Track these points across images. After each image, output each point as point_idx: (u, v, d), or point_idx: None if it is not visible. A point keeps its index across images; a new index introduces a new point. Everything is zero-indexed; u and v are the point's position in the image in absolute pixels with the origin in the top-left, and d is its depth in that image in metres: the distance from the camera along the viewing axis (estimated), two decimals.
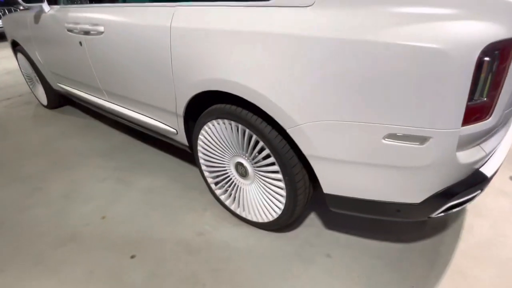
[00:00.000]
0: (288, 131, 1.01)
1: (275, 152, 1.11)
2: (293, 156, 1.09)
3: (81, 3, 2.13)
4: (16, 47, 2.82)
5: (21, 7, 7.30)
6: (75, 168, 1.98)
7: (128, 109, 1.81)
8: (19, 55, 2.83)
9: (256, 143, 1.18)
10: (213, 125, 1.30)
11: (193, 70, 1.20)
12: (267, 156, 1.17)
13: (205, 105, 1.38)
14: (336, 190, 1.04)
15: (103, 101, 2.02)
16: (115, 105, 1.91)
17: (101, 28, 1.58)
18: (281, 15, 0.93)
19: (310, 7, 0.88)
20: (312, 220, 1.45)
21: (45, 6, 2.05)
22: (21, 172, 1.97)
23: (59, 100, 2.93)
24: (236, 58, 1.02)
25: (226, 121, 1.23)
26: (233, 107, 1.17)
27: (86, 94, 2.18)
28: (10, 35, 2.77)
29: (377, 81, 0.79)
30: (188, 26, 1.17)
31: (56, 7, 2.04)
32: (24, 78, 3.10)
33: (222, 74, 1.08)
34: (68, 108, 3.02)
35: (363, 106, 0.84)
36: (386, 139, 0.86)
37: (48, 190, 1.77)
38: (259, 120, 1.11)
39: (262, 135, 1.12)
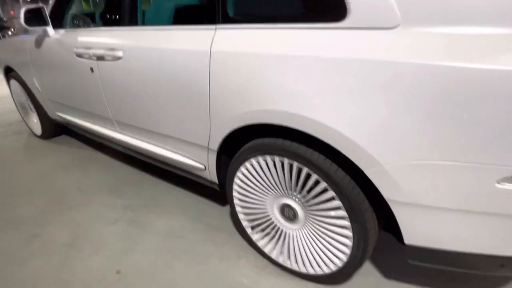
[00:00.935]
0: (366, 172, 0.85)
1: (341, 194, 0.94)
2: (364, 199, 0.93)
3: (90, 26, 1.98)
4: (9, 73, 2.61)
5: (10, 33, 7.13)
6: (78, 208, 1.73)
7: (144, 142, 1.62)
8: (13, 81, 2.62)
9: (315, 183, 1.01)
10: (258, 161, 1.13)
11: (239, 100, 1.04)
12: (329, 199, 1.00)
13: (244, 138, 1.21)
14: (423, 241, 0.88)
15: (112, 132, 1.82)
16: (128, 137, 1.71)
17: (119, 53, 1.42)
18: (360, 38, 0.80)
19: (395, 28, 0.76)
20: (368, 267, 1.26)
21: (50, 29, 1.89)
22: (14, 214, 1.71)
23: (54, 130, 2.69)
24: (303, 87, 0.88)
25: (276, 157, 1.06)
26: (288, 143, 1.01)
27: (91, 124, 1.98)
28: (3, 61, 2.57)
29: (488, 114, 0.65)
30: (236, 51, 1.02)
31: (61, 30, 1.88)
32: (16, 106, 2.86)
33: (282, 106, 0.93)
34: (64, 138, 2.78)
35: (471, 144, 0.70)
36: (501, 183, 0.71)
37: (48, 237, 1.52)
38: (322, 157, 0.95)
39: (325, 175, 0.95)
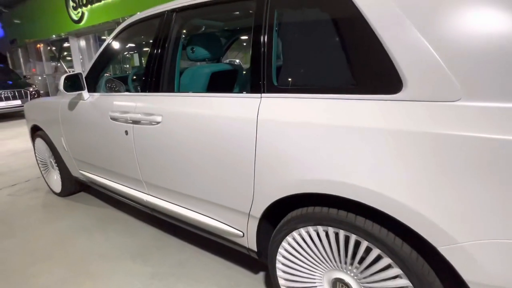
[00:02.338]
0: (440, 249, 0.79)
1: (409, 271, 0.87)
2: (429, 271, 0.86)
3: (124, 90, 2.07)
4: (35, 132, 2.67)
5: (31, 89, 7.50)
6: (101, 277, 1.62)
7: (176, 205, 1.58)
8: (38, 140, 2.67)
9: (377, 258, 0.94)
10: (308, 231, 1.07)
11: (290, 168, 1.02)
12: (393, 277, 0.92)
13: (290, 205, 1.17)
14: None
15: (140, 193, 1.78)
16: (157, 199, 1.67)
17: (158, 118, 1.45)
18: (420, 110, 0.80)
19: (456, 102, 0.76)
20: None
21: (85, 93, 1.97)
22: (32, 284, 1.60)
23: (74, 187, 2.67)
24: (362, 159, 0.86)
25: (330, 228, 1.01)
26: (343, 213, 0.96)
27: (117, 184, 1.95)
28: (32, 120, 2.65)
29: None
30: (286, 120, 1.03)
31: (96, 94, 1.96)
32: (38, 163, 2.88)
33: (338, 176, 0.91)
34: (82, 195, 2.74)
35: None
36: None
37: None
38: (384, 231, 0.90)
39: (389, 251, 0.89)
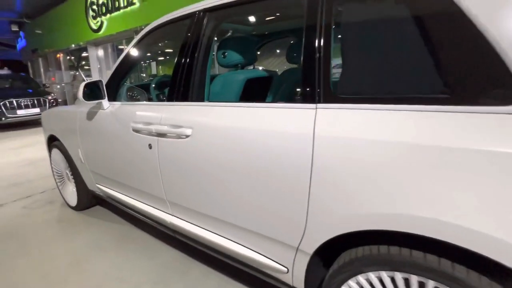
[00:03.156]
0: None
1: None
2: None
3: (147, 99, 1.91)
4: (52, 142, 2.55)
5: (50, 97, 7.57)
6: None
7: (205, 230, 1.39)
8: (54, 150, 2.55)
9: None
10: (380, 277, 0.86)
11: (357, 197, 0.82)
12: None
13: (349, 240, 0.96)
14: None
15: (163, 213, 1.60)
16: (183, 221, 1.49)
17: (188, 131, 1.27)
18: None
19: None
20: None
21: (105, 102, 1.83)
22: None
23: (90, 201, 2.52)
24: (467, 191, 0.65)
25: (414, 277, 0.79)
26: (433, 259, 0.75)
27: (137, 202, 1.78)
28: (49, 130, 2.54)
29: None
30: (354, 136, 0.83)
31: (117, 103, 1.81)
32: (53, 174, 2.76)
33: (425, 211, 0.70)
34: (98, 209, 2.60)
35: None
36: None
37: None
38: (486, 280, 0.68)
39: None
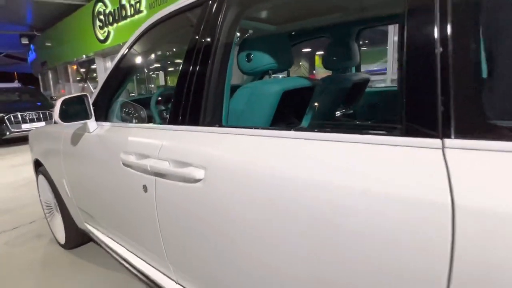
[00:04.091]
0: None
1: None
2: None
3: (145, 121, 1.49)
4: (39, 167, 2.15)
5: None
6: None
7: None
8: (41, 177, 2.14)
9: None
10: None
11: None
12: None
13: None
14: None
15: (164, 278, 1.15)
16: None
17: (199, 173, 0.83)
18: None
19: None
20: None
21: (91, 123, 1.40)
22: None
23: (81, 239, 2.09)
24: None
25: None
26: None
27: (132, 256, 1.34)
28: (34, 153, 2.14)
29: None
30: None
31: (106, 124, 1.39)
32: (42, 205, 2.36)
33: None
34: (91, 247, 2.16)
35: None
36: None
37: None
38: None
39: None
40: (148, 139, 1.07)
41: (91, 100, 1.40)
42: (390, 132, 0.58)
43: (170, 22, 1.19)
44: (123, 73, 1.49)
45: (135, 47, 1.35)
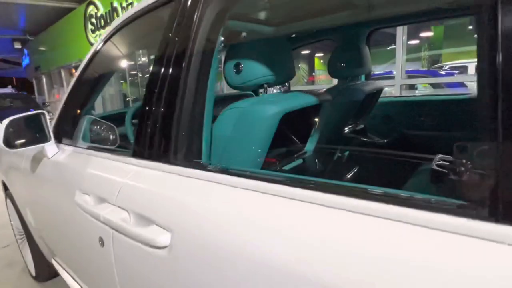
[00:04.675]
0: None
1: None
2: None
3: (113, 143, 1.24)
4: (6, 190, 1.90)
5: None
6: None
7: None
8: (9, 201, 1.89)
9: None
10: None
11: None
12: None
13: None
14: None
15: None
16: None
17: (164, 239, 0.58)
18: None
19: None
20: None
21: (50, 147, 1.15)
22: None
23: (54, 272, 1.83)
24: None
25: None
26: None
27: None
28: (1, 173, 1.89)
29: None
30: None
31: (68, 148, 1.14)
32: (13, 231, 2.11)
33: None
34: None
35: None
36: None
37: None
38: None
39: None
40: (108, 175, 0.83)
41: (50, 116, 1.16)
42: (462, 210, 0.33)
43: (141, 22, 0.94)
44: (91, 83, 1.24)
45: (101, 54, 1.11)
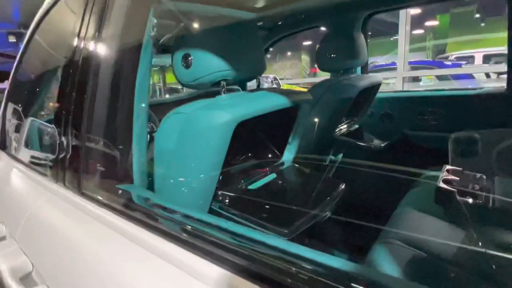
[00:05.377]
0: None
1: None
2: None
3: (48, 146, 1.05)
4: None
5: None
6: None
7: None
8: None
9: None
10: None
11: None
12: None
13: None
14: None
15: None
16: None
17: None
18: None
19: None
20: None
21: None
22: None
23: None
24: None
25: None
26: None
27: None
28: None
29: None
30: None
31: (4, 158, 0.96)
32: None
33: None
34: None
35: None
36: None
37: None
38: None
39: None
40: (16, 199, 0.65)
41: None
42: None
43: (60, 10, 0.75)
44: (34, 76, 1.06)
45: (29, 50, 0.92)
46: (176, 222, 0.42)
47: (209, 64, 0.62)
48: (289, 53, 14.50)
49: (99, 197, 0.48)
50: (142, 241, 0.39)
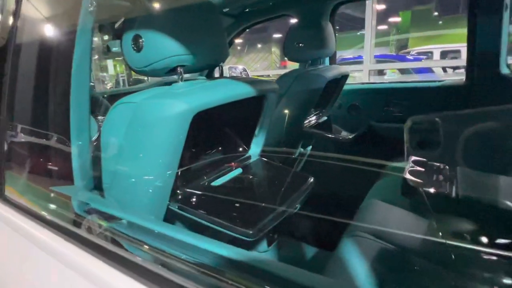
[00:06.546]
0: None
1: None
2: None
3: None
4: None
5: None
6: None
7: None
8: None
9: None
10: None
11: None
12: None
13: None
14: None
15: None
16: None
17: None
18: None
19: None
20: None
21: None
22: None
23: None
24: None
25: None
26: None
27: None
28: None
29: None
30: None
31: None
32: None
33: None
34: None
35: None
36: None
37: None
38: None
39: None
40: None
41: None
42: None
43: None
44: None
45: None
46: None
47: (163, 48, 0.55)
48: (259, 46, 14.42)
49: (25, 204, 0.40)
50: (85, 272, 0.32)
